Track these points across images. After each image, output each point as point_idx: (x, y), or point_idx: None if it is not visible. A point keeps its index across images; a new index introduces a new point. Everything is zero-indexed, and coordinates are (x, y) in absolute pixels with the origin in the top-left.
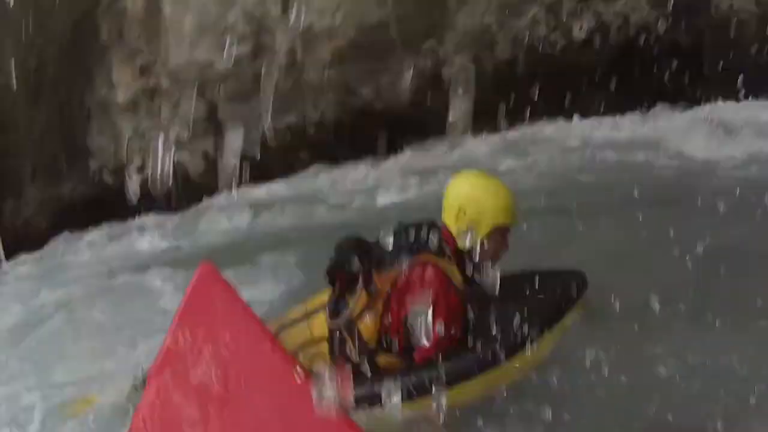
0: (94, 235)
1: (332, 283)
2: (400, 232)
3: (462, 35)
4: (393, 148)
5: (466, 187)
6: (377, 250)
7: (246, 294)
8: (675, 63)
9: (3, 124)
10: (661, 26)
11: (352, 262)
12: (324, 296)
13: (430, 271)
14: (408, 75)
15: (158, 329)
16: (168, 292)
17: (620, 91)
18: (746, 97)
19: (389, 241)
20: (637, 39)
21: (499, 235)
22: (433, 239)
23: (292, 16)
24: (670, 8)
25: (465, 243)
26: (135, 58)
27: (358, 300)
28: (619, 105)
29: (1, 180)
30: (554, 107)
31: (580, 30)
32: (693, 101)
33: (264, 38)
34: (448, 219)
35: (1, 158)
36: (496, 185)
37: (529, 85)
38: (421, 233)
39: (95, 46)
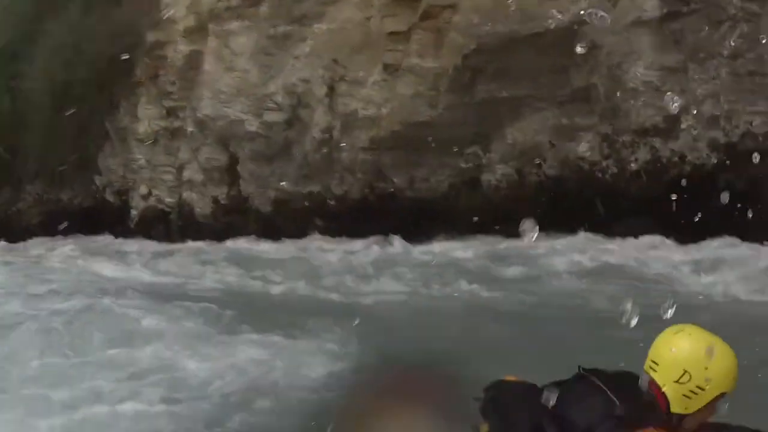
0: (80, 243)
1: None
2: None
3: (510, 147)
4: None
5: (695, 348)
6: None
7: None
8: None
9: (23, 122)
10: (718, 169)
11: None
12: None
13: None
14: (445, 172)
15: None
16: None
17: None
18: None
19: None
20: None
21: (715, 401)
22: (651, 402)
23: (337, 101)
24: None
25: (682, 409)
26: (164, 100)
27: None
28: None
29: (7, 170)
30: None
31: (635, 162)
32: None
33: (301, 112)
34: (664, 378)
35: (12, 151)
36: (726, 349)
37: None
38: (631, 391)
39: (128, 80)
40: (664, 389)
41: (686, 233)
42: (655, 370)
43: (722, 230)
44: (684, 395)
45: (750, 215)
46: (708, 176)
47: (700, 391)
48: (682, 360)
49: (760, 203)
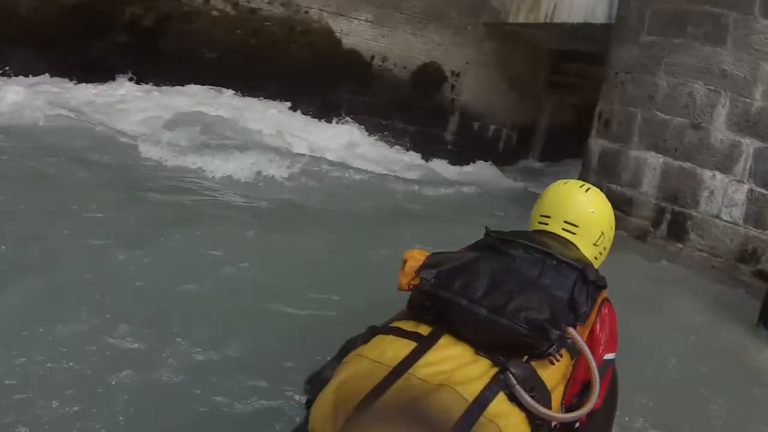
0: None
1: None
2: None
3: None
4: None
5: (609, 208)
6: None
7: None
8: None
9: None
10: None
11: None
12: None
13: (611, 312)
14: None
15: None
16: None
17: None
18: None
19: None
20: None
21: None
22: (590, 268)
23: None
24: None
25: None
26: None
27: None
28: None
29: None
30: None
31: None
32: None
33: None
34: (584, 241)
35: None
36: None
37: None
38: (567, 257)
39: None
40: (586, 254)
41: None
42: (573, 233)
43: None
44: (595, 257)
45: None
46: None
47: (604, 251)
48: (602, 222)
49: None
